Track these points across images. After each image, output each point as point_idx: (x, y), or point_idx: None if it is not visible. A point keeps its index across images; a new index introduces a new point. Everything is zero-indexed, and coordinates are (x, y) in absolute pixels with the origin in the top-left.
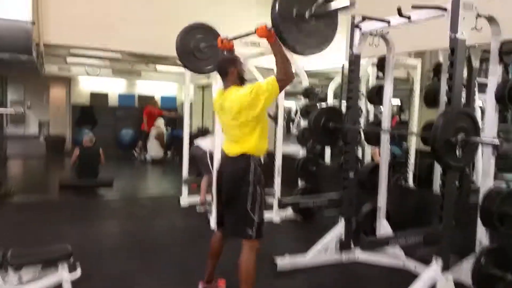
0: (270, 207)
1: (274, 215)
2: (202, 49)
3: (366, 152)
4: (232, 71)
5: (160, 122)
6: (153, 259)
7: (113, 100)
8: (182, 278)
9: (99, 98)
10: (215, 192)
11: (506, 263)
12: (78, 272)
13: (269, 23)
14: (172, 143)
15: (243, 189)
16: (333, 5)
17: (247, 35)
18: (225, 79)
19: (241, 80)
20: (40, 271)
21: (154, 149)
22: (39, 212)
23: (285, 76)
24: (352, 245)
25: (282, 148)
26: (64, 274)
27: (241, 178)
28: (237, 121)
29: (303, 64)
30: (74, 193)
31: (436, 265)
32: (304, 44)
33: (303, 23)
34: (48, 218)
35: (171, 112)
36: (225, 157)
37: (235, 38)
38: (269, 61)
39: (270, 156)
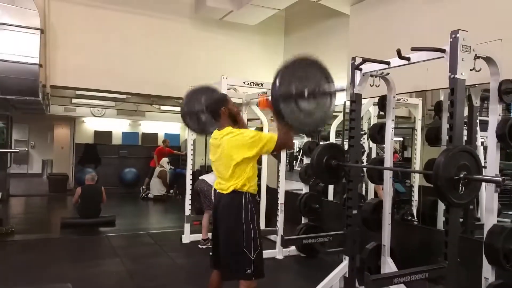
0: (273, 244)
1: (277, 252)
2: (206, 111)
3: (370, 189)
4: (223, 111)
5: (164, 161)
6: None
7: (117, 138)
8: None
9: (103, 136)
10: (212, 232)
11: None
12: None
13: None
14: (175, 181)
15: (236, 228)
16: (331, 87)
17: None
18: (217, 120)
19: (233, 119)
20: None
21: (156, 187)
22: (41, 250)
23: (284, 143)
24: (357, 284)
25: (285, 185)
26: None
27: (234, 216)
28: (229, 162)
29: None
30: (76, 231)
31: None
32: (301, 121)
33: (301, 101)
34: (49, 257)
35: (180, 152)
36: (218, 194)
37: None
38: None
39: (273, 193)
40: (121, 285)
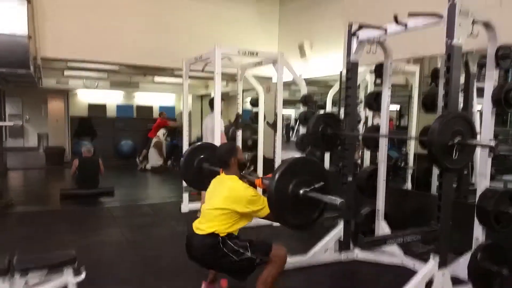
0: None
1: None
2: (203, 169)
3: (365, 157)
4: (233, 162)
5: (160, 132)
6: (156, 263)
7: (111, 111)
8: (185, 280)
9: (97, 109)
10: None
11: (502, 259)
12: (83, 276)
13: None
14: (172, 152)
15: (221, 257)
16: (325, 199)
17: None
18: (227, 169)
19: (241, 167)
20: (45, 275)
21: (153, 158)
22: (42, 221)
23: (272, 221)
24: (352, 246)
25: (281, 155)
26: (69, 278)
27: (212, 253)
28: (223, 206)
29: (301, 72)
30: (76, 202)
31: (433, 262)
32: (292, 216)
33: (295, 199)
34: (50, 228)
35: (175, 122)
36: (191, 234)
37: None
38: (267, 70)
39: (270, 163)
40: (123, 253)
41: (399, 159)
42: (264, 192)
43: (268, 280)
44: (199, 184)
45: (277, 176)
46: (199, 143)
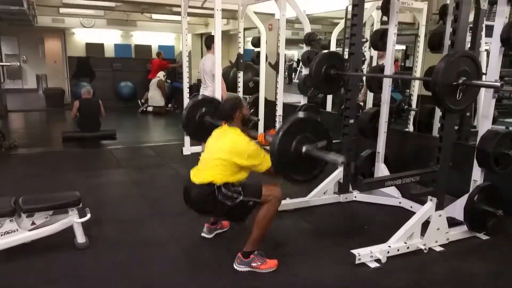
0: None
1: None
2: (205, 122)
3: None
4: (237, 116)
5: (160, 74)
6: (160, 205)
7: (109, 51)
8: (188, 222)
9: (95, 49)
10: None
11: (498, 200)
12: (88, 216)
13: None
14: (173, 95)
15: (216, 204)
16: (328, 157)
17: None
18: (230, 122)
19: (245, 122)
20: (51, 215)
21: (155, 99)
22: (45, 163)
23: (272, 177)
24: (351, 188)
25: (283, 98)
26: (74, 218)
27: (207, 201)
28: (223, 156)
29: (305, 8)
30: (78, 144)
31: (431, 204)
32: (294, 173)
33: (297, 156)
34: (54, 169)
35: (175, 63)
36: (188, 184)
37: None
38: (269, 7)
39: (272, 105)
40: (127, 193)
41: (403, 101)
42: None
43: (264, 221)
44: (201, 137)
45: (280, 133)
46: (200, 98)
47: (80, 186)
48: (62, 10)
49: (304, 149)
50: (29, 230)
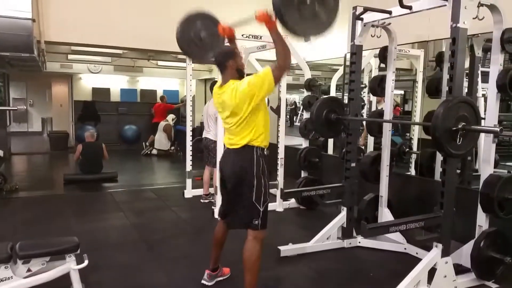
0: (273, 197)
1: (277, 205)
2: (203, 38)
3: (369, 143)
4: (230, 64)
5: (170, 117)
6: (159, 250)
7: (115, 96)
8: (188, 267)
9: (101, 94)
10: (219, 184)
11: (505, 247)
12: (85, 263)
13: (269, 8)
14: (176, 137)
15: (247, 182)
16: None
17: (247, 21)
18: (223, 73)
19: (239, 73)
20: (48, 262)
21: (161, 142)
22: (45, 206)
23: (283, 62)
24: (354, 233)
25: (285, 140)
26: (71, 265)
27: (244, 171)
28: (237, 116)
29: (304, 55)
30: (79, 187)
31: (436, 250)
32: (305, 27)
33: (304, 6)
34: (54, 212)
35: (179, 104)
36: (227, 150)
37: (235, 26)
38: (271, 54)
39: (273, 148)
40: (126, 238)
41: (404, 144)
42: None
43: (251, 261)
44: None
45: None
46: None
47: (78, 231)
48: (70, 56)
49: None
50: (24, 278)
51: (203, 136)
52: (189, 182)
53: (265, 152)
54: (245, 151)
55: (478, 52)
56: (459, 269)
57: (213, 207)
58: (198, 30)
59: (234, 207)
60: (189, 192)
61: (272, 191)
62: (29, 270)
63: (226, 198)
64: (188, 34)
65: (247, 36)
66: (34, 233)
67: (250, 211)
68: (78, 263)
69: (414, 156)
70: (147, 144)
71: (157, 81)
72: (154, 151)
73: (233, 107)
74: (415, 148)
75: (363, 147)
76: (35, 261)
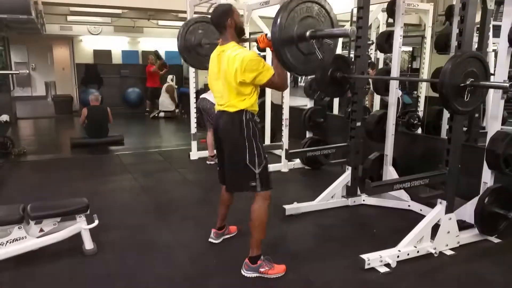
0: (278, 158)
1: (282, 166)
2: (203, 45)
3: (376, 102)
4: (230, 23)
5: (169, 78)
6: (167, 210)
7: (116, 58)
8: (195, 227)
9: (102, 56)
10: (216, 148)
11: (509, 203)
12: (96, 223)
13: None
14: (180, 100)
15: (239, 144)
16: (334, 32)
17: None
18: (222, 33)
19: (239, 32)
20: (59, 222)
21: (165, 103)
22: (54, 169)
23: (277, 83)
24: (359, 192)
25: (289, 101)
26: (82, 225)
27: (235, 133)
28: (231, 78)
29: None
30: (86, 150)
31: (440, 207)
32: (299, 63)
33: (302, 42)
34: (62, 175)
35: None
36: (219, 113)
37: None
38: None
39: (278, 109)
40: (135, 199)
41: (412, 117)
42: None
43: (258, 220)
44: None
45: (280, 15)
46: None
47: (88, 192)
48: (69, 18)
49: (308, 32)
50: (37, 237)
51: (202, 96)
52: (194, 144)
53: (256, 118)
54: (235, 114)
55: (491, 5)
56: (463, 225)
57: (218, 168)
58: (199, 38)
59: (229, 171)
60: (195, 154)
61: (276, 151)
62: (41, 230)
63: (222, 162)
64: (190, 41)
65: None
66: (44, 195)
67: (245, 174)
68: (88, 223)
69: (421, 114)
70: (147, 109)
71: (159, 41)
72: (162, 114)
73: (228, 71)
74: (421, 105)
75: (369, 107)
76: (47, 222)
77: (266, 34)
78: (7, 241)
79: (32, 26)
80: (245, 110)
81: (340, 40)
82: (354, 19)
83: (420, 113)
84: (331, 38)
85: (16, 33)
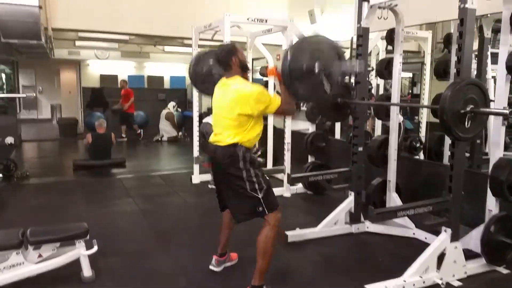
0: (280, 182)
1: (284, 190)
2: (213, 75)
3: (376, 127)
4: (234, 61)
5: (170, 105)
6: (168, 235)
7: None
8: (196, 253)
9: (109, 80)
10: (213, 180)
11: None
12: (95, 248)
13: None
14: (184, 123)
15: (237, 176)
16: (343, 67)
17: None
18: (227, 71)
19: (243, 68)
20: (58, 247)
21: (166, 130)
22: (55, 193)
23: (285, 110)
24: (362, 218)
25: (291, 125)
26: (81, 250)
27: (232, 165)
28: (233, 113)
29: None
30: (88, 173)
31: (445, 235)
32: (306, 94)
33: (310, 76)
34: (64, 199)
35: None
36: (213, 147)
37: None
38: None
39: (280, 133)
40: (135, 223)
41: (414, 139)
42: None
43: (265, 248)
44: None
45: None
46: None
47: (88, 216)
48: (78, 43)
49: (317, 66)
50: (36, 263)
51: (204, 121)
52: (196, 167)
53: (251, 151)
54: (229, 148)
55: (488, 33)
56: (469, 255)
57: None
58: (210, 68)
59: (233, 203)
60: (197, 177)
61: (279, 176)
62: (40, 255)
63: (221, 193)
64: (200, 71)
65: (252, 20)
66: (45, 219)
67: (249, 202)
68: (87, 249)
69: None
70: (138, 132)
71: (164, 66)
72: (164, 138)
73: (232, 103)
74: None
75: (370, 131)
76: (46, 247)
77: (275, 66)
78: (4, 267)
79: (41, 51)
80: (240, 145)
81: None
82: (354, 46)
83: (422, 139)
84: (339, 72)
85: (25, 57)
